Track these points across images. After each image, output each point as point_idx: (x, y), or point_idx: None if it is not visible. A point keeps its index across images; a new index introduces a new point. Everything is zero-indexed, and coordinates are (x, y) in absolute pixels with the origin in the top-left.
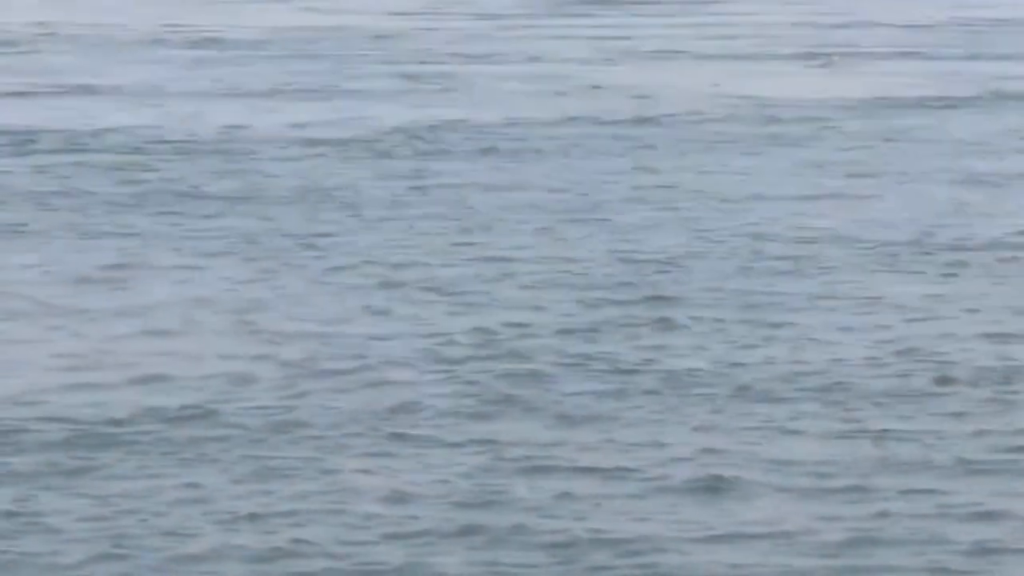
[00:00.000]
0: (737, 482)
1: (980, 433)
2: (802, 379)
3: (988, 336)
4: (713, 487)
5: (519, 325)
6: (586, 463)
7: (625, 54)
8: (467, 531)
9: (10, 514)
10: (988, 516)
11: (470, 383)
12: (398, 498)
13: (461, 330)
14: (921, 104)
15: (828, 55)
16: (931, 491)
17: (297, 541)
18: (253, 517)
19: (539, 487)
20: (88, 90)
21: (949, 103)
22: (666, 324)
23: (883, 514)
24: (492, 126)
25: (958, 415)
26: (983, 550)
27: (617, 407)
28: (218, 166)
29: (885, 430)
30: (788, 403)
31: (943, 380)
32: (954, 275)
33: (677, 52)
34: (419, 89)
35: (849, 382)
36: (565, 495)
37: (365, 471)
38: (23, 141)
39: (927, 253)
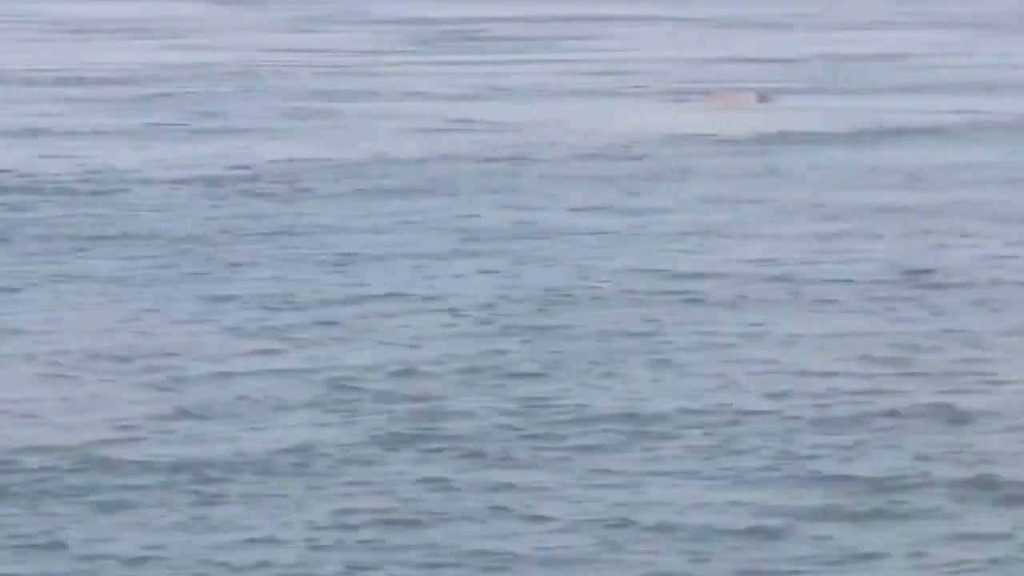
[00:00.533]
0: (638, 524)
1: (870, 466)
2: (696, 417)
3: (866, 368)
4: (619, 526)
5: (406, 363)
6: (494, 502)
7: (493, 91)
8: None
9: None
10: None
11: (364, 422)
12: (317, 543)
13: (348, 369)
14: (793, 140)
15: (761, 90)
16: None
17: None
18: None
19: (446, 527)
20: None
21: (820, 138)
22: (555, 361)
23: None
24: (362, 164)
25: (848, 449)
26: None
27: (513, 446)
28: (86, 206)
29: (772, 464)
30: (682, 440)
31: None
32: (826, 309)
33: (546, 89)
34: (288, 127)
35: (742, 419)
36: (476, 534)
37: (276, 517)
38: None
39: (800, 288)
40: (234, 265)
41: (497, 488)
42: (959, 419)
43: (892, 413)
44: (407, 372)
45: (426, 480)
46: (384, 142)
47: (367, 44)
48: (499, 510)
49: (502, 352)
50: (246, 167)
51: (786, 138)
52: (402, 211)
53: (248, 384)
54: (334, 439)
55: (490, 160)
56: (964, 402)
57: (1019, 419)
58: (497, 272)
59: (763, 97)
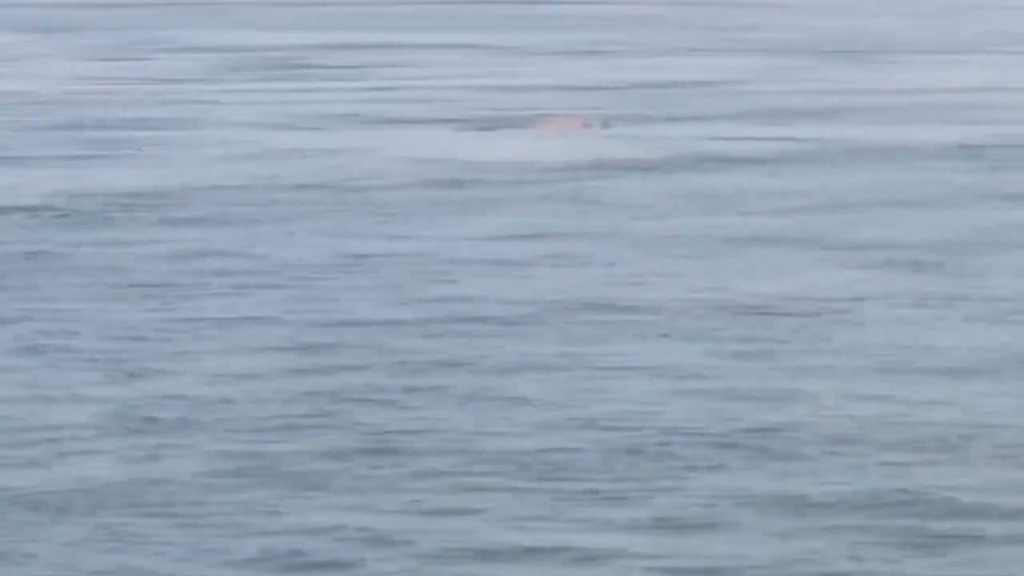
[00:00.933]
0: (461, 549)
1: (688, 491)
2: (515, 441)
3: (689, 396)
4: (443, 551)
5: (226, 392)
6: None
7: (310, 119)
8: None
9: None
10: None
11: (195, 454)
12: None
13: (165, 399)
14: (615, 167)
15: (600, 117)
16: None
17: None
18: None
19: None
20: None
21: (643, 166)
22: (377, 390)
23: None
24: (176, 193)
25: (667, 475)
26: None
27: (349, 473)
28: None
29: (594, 490)
30: (504, 468)
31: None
32: (644, 338)
33: (364, 117)
34: (101, 155)
35: (562, 449)
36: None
37: (99, 552)
38: None
39: (619, 316)
40: (40, 296)
41: (337, 511)
42: (781, 444)
43: (717, 440)
44: (228, 401)
45: (265, 510)
46: (199, 171)
47: (179, 72)
48: (338, 529)
49: (325, 381)
50: (54, 197)
51: (609, 165)
52: (216, 240)
53: (34, 417)
54: (167, 471)
55: (306, 188)
56: (785, 427)
57: (843, 444)
58: (312, 300)
59: (605, 123)
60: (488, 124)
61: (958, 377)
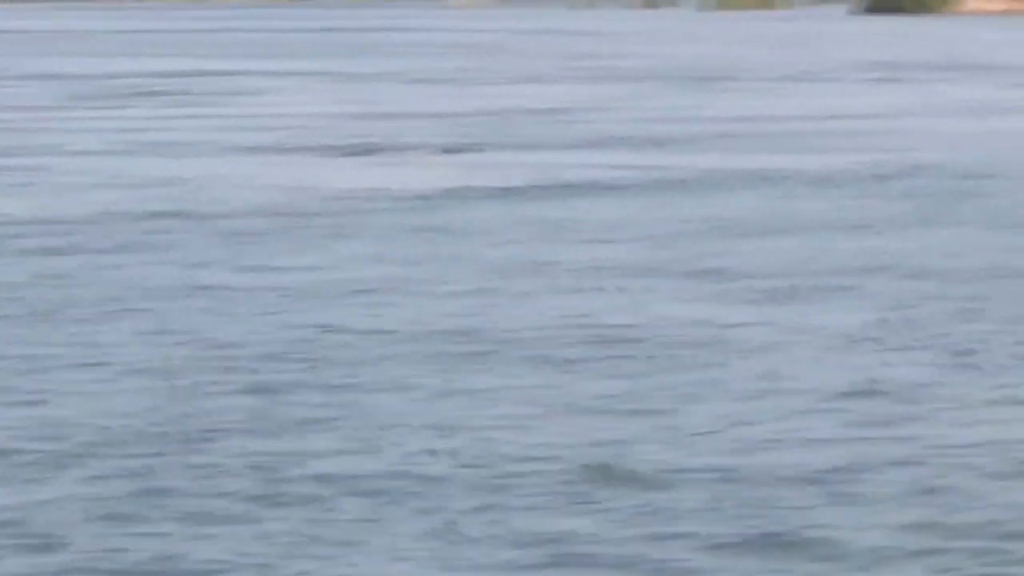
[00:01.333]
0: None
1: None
2: (397, 465)
3: (546, 423)
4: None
5: (87, 419)
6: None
7: (160, 147)
8: None
9: None
10: None
11: (51, 483)
12: None
13: (31, 426)
14: (462, 195)
15: (446, 145)
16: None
17: None
18: None
19: None
20: None
21: (489, 194)
22: (239, 414)
23: None
24: (28, 221)
25: (529, 506)
26: None
27: (227, 503)
28: None
29: (461, 510)
30: (389, 498)
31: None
32: (496, 365)
33: (215, 144)
34: None
35: (437, 479)
36: None
37: None
38: None
39: (472, 345)
40: None
41: (202, 537)
42: (650, 474)
43: (584, 470)
44: (92, 428)
45: (132, 537)
46: (49, 200)
47: (28, 100)
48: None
49: (190, 408)
50: None
51: (464, 193)
52: (70, 269)
53: None
54: (33, 500)
55: (159, 217)
56: (643, 461)
57: (713, 475)
58: (171, 330)
59: (459, 151)
60: (342, 152)
61: (820, 405)
